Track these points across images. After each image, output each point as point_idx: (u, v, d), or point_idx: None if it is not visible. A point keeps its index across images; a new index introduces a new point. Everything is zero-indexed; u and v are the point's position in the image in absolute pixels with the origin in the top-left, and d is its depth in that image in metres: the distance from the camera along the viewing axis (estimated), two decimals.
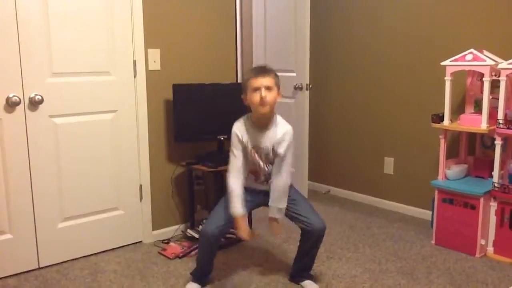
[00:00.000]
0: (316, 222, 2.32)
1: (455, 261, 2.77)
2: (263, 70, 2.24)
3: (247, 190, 2.35)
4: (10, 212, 2.55)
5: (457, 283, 2.50)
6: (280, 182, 2.30)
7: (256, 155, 2.32)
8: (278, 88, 2.26)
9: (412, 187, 3.56)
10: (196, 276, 2.48)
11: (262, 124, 2.29)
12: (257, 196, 2.41)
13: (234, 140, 2.32)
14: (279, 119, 2.33)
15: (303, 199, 2.49)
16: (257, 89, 2.19)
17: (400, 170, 3.66)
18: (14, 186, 2.54)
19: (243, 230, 2.25)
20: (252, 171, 2.39)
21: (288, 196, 2.35)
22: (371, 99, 3.78)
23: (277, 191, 2.31)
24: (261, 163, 2.34)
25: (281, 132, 2.29)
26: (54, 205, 2.69)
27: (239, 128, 2.32)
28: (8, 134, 2.50)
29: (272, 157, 2.33)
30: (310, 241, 2.38)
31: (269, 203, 2.34)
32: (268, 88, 2.20)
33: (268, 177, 2.37)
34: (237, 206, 2.23)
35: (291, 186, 2.39)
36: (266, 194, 2.37)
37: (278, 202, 2.31)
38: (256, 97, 2.20)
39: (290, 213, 2.37)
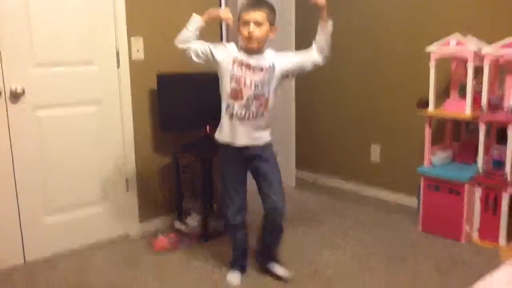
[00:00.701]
0: (273, 200, 2.28)
1: (441, 247, 2.80)
2: (256, 4, 2.16)
3: (227, 151, 2.29)
4: None
5: (443, 268, 2.54)
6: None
7: (241, 69, 2.19)
8: (272, 24, 2.20)
9: (399, 174, 3.58)
10: (235, 263, 2.48)
11: (251, 52, 2.22)
12: (238, 161, 2.31)
13: (217, 44, 2.28)
14: (269, 49, 2.27)
15: (275, 176, 2.33)
16: (246, 23, 2.15)
17: (387, 157, 3.67)
18: None
19: (218, 12, 2.28)
20: (232, 92, 2.20)
21: (265, 161, 2.29)
22: (357, 85, 3.78)
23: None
24: (247, 78, 2.18)
25: (273, 52, 2.27)
26: (39, 199, 2.66)
27: (231, 45, 2.27)
28: None
29: (269, 75, 2.21)
30: (268, 220, 2.35)
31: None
32: (258, 23, 2.15)
33: (250, 101, 2.19)
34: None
35: (272, 151, 2.33)
36: (248, 156, 2.27)
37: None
38: (244, 31, 2.17)
39: (258, 185, 2.34)
